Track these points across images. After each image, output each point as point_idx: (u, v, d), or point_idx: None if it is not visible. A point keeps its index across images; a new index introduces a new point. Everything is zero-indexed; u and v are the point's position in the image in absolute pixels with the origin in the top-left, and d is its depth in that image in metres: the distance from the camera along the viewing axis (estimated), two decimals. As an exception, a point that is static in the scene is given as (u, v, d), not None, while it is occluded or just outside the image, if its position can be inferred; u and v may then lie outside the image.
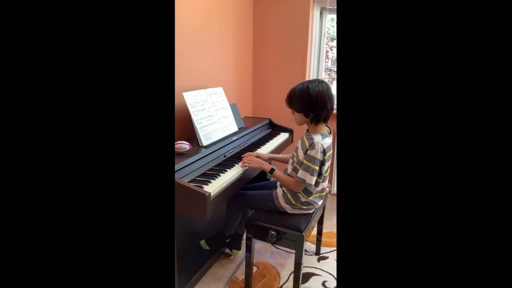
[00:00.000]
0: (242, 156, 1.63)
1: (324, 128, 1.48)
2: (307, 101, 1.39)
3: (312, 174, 1.40)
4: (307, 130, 1.52)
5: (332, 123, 2.56)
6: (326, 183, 1.57)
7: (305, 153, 1.42)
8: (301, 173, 1.42)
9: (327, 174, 1.52)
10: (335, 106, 1.81)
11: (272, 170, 1.50)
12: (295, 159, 1.50)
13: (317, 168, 1.40)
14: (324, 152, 1.40)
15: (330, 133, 1.50)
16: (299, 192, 1.51)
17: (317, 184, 1.47)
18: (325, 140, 1.42)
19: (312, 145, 1.39)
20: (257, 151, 1.80)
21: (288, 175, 1.52)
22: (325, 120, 1.46)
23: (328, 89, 1.42)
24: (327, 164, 1.47)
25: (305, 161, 1.41)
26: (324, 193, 1.60)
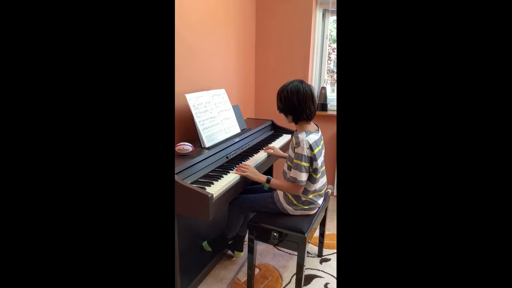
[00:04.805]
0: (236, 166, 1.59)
1: (310, 126, 1.51)
2: (284, 102, 1.45)
3: (301, 171, 1.41)
4: (295, 129, 1.55)
5: (332, 124, 2.57)
6: (324, 180, 1.58)
7: (294, 152, 1.44)
8: (292, 172, 1.44)
9: (323, 169, 1.54)
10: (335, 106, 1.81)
11: (268, 180, 1.50)
12: (288, 161, 1.53)
13: (305, 164, 1.41)
14: (311, 147, 1.42)
15: (318, 130, 1.53)
16: None
17: (314, 180, 1.49)
18: (309, 136, 1.44)
19: (297, 143, 1.42)
20: (257, 153, 1.80)
21: (288, 178, 1.52)
22: (308, 119, 1.48)
23: (305, 89, 1.43)
24: (320, 159, 1.48)
25: (294, 160, 1.44)
26: (323, 191, 1.60)
